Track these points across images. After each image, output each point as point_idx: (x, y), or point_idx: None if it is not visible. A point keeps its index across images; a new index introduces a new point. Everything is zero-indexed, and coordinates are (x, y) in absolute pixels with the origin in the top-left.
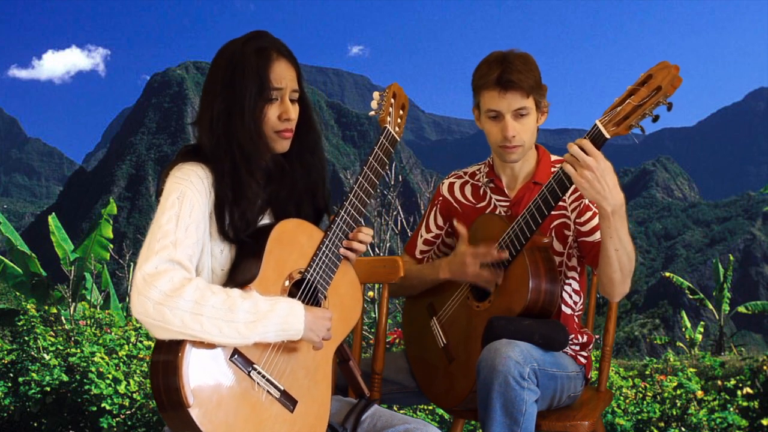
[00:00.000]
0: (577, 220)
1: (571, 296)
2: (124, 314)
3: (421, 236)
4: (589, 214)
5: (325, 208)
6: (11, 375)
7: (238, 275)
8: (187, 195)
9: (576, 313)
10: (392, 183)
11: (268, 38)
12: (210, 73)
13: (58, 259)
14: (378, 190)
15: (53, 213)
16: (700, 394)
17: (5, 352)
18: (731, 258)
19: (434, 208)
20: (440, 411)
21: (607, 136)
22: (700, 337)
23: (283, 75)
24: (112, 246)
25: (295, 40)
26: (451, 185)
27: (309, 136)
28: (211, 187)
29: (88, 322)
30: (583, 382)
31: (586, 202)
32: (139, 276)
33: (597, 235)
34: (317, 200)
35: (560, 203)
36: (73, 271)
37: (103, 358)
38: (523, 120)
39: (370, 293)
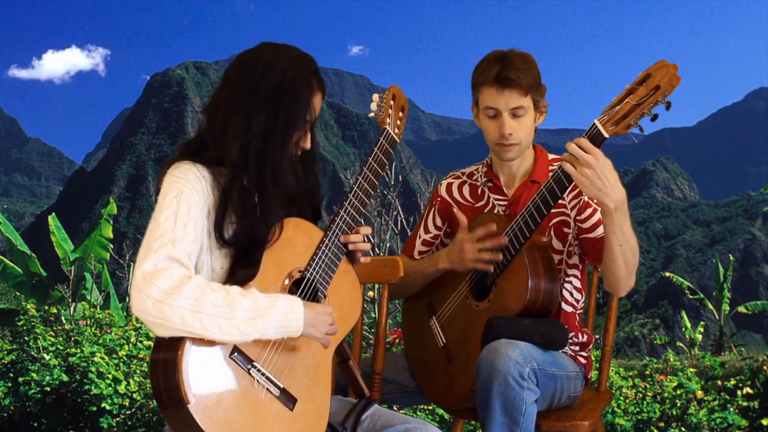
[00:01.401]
0: (578, 218)
1: (572, 294)
2: (124, 314)
3: (420, 237)
4: (589, 210)
5: (319, 210)
6: (11, 375)
7: (238, 273)
8: (185, 193)
9: (578, 311)
10: (392, 183)
11: (312, 63)
12: (246, 74)
13: (58, 259)
14: (377, 191)
15: (53, 213)
16: (700, 394)
17: (5, 352)
18: (731, 258)
19: (432, 209)
20: (440, 411)
21: (606, 135)
22: (700, 337)
23: (317, 107)
24: (112, 246)
25: (295, 40)
26: (449, 186)
27: (311, 149)
28: (210, 186)
29: (88, 322)
30: (583, 382)
31: (586, 199)
32: (138, 274)
33: (599, 231)
34: (314, 202)
35: (559, 201)
36: (73, 271)
37: (103, 358)
38: (521, 119)
39: (370, 293)
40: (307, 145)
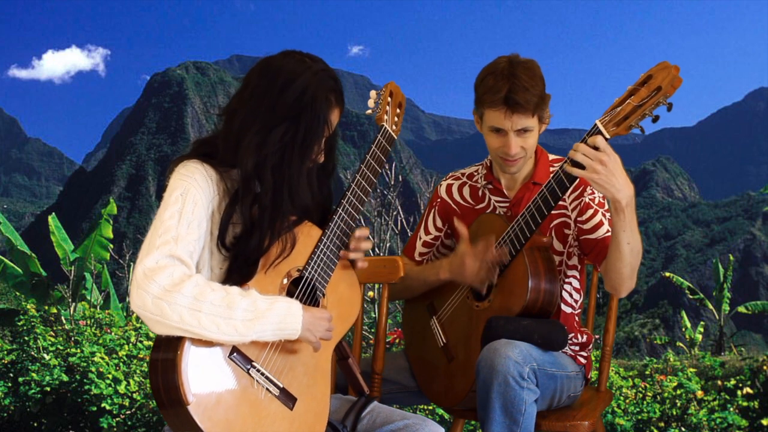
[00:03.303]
0: (579, 219)
1: (571, 294)
2: (124, 314)
3: (420, 238)
4: (590, 212)
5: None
6: (11, 375)
7: (234, 278)
8: (191, 192)
9: (576, 312)
10: (392, 183)
11: (333, 79)
12: (266, 84)
13: (58, 259)
14: (376, 189)
15: (53, 213)
16: (700, 394)
17: (5, 352)
18: (731, 258)
19: (432, 210)
20: (440, 411)
21: (607, 136)
22: (700, 337)
23: (334, 123)
24: (112, 246)
25: (295, 40)
26: (449, 187)
27: (329, 162)
28: (216, 187)
29: (88, 322)
30: (583, 382)
31: (587, 200)
32: (139, 270)
33: (600, 233)
34: (324, 213)
35: (560, 202)
36: (73, 271)
37: (103, 358)
38: (526, 135)
39: (370, 293)
40: (321, 159)
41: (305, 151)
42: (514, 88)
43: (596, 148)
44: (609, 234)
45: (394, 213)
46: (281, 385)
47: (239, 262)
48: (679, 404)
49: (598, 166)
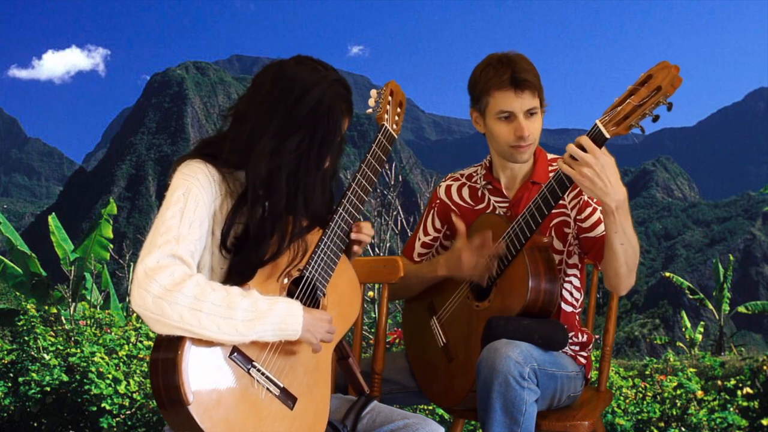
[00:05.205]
0: (578, 217)
1: (572, 293)
2: (124, 314)
3: (419, 239)
4: (589, 210)
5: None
6: (11, 375)
7: (234, 278)
8: (193, 191)
9: (577, 311)
10: (392, 183)
11: (346, 89)
12: (280, 91)
13: (58, 259)
14: (377, 189)
15: (53, 213)
16: (700, 394)
17: (5, 352)
18: (731, 258)
19: (432, 211)
20: (440, 411)
21: (607, 135)
22: (700, 337)
23: (344, 130)
24: (112, 246)
25: (295, 40)
26: (448, 188)
27: (332, 166)
28: (218, 188)
29: (88, 322)
30: (583, 382)
31: (586, 198)
32: (140, 269)
33: (599, 230)
34: (326, 215)
35: (560, 201)
36: (73, 271)
37: (103, 358)
38: (533, 119)
39: (370, 293)
40: (330, 168)
41: (320, 159)
42: (517, 69)
43: (585, 150)
44: None
45: (394, 213)
46: (281, 385)
47: (241, 265)
48: (679, 404)
49: (584, 169)
